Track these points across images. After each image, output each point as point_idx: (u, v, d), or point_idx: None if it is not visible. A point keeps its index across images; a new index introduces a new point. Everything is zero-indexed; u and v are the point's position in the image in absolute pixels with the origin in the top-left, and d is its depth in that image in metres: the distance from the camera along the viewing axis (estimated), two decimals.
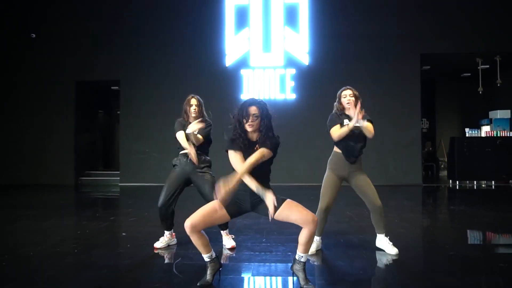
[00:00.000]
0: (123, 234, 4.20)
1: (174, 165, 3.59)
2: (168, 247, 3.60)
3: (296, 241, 3.48)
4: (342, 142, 3.26)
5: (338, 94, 3.40)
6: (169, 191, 3.48)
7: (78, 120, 10.42)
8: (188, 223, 2.38)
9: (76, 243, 3.83)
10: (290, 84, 9.63)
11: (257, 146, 2.46)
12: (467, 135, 9.82)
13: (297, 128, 9.41)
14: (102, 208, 6.64)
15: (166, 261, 3.26)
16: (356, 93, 3.30)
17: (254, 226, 4.52)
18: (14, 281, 2.71)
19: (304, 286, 2.47)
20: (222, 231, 3.64)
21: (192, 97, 3.62)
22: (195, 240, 2.46)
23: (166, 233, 3.62)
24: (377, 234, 3.47)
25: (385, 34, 9.59)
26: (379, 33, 9.59)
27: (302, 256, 2.52)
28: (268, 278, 2.79)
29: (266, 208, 2.38)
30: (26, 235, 4.20)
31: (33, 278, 2.80)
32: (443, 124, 13.53)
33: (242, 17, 9.77)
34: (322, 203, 3.38)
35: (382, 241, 3.42)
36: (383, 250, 3.38)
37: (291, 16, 9.72)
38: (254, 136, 2.51)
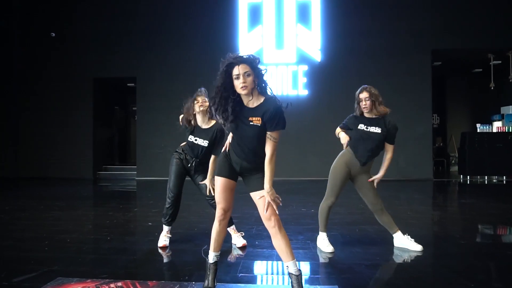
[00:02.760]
0: (149, 223, 4.46)
1: (179, 158, 3.50)
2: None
3: (314, 231, 3.74)
4: (353, 143, 3.31)
5: (356, 95, 3.34)
6: (178, 179, 3.45)
7: (96, 116, 10.76)
8: (219, 209, 2.33)
9: (108, 231, 4.10)
10: (303, 80, 9.81)
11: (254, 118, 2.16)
12: (478, 130, 9.90)
13: (309, 123, 9.60)
14: (124, 200, 6.94)
15: (194, 247, 3.50)
16: (373, 91, 3.29)
17: None
18: (59, 263, 2.98)
19: None
20: (229, 229, 3.46)
21: (199, 92, 3.45)
22: (219, 230, 2.37)
23: (166, 229, 3.51)
24: (393, 235, 3.39)
25: (397, 30, 9.70)
26: (391, 29, 9.70)
27: (287, 266, 2.20)
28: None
29: (252, 185, 2.29)
30: (60, 223, 4.49)
31: (76, 260, 3.08)
32: (454, 119, 13.57)
33: (255, 15, 9.96)
34: (331, 196, 3.32)
35: (401, 240, 3.34)
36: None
37: (303, 13, 9.88)
38: (249, 102, 2.20)
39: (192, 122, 3.43)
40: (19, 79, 10.71)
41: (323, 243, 3.34)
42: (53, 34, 10.54)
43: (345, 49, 9.74)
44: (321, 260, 3.12)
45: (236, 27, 10.03)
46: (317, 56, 9.82)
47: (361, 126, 3.29)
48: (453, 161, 12.83)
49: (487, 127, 9.92)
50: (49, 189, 8.00)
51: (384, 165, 3.33)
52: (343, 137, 3.37)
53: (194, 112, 3.40)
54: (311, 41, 9.83)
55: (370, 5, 9.79)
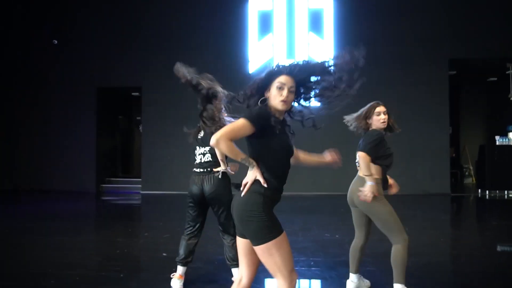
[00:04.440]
0: (164, 254, 4.07)
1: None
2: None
3: (345, 264, 3.35)
4: (388, 155, 2.82)
5: (369, 110, 2.86)
6: None
7: (99, 125, 10.39)
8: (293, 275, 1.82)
9: (119, 265, 3.70)
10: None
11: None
12: (497, 143, 9.53)
13: (322, 135, 9.21)
14: (131, 220, 6.55)
15: (218, 286, 3.11)
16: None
17: (293, 244, 4.35)
18: None
19: None
20: (234, 270, 2.94)
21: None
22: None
23: (182, 269, 3.04)
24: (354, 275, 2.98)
25: (412, 39, 9.37)
26: (405, 38, 9.38)
27: None
28: None
29: None
30: (65, 253, 4.09)
31: None
32: (467, 129, 13.22)
33: (265, 23, 9.63)
34: (403, 233, 2.71)
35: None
36: None
37: (315, 21, 9.55)
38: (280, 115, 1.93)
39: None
40: (22, 87, 10.35)
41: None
42: (56, 42, 10.20)
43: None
44: None
45: (245, 35, 9.69)
46: None
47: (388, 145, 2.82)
48: (467, 173, 12.46)
49: (506, 140, 9.55)
50: (50, 205, 7.61)
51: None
52: (371, 187, 2.64)
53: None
54: (324, 49, 9.49)
55: (384, 13, 9.47)
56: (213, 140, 1.72)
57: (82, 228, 5.40)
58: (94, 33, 10.08)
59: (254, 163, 1.80)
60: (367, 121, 2.86)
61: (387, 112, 2.84)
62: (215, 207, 2.92)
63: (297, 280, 1.88)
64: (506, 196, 9.13)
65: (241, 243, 1.90)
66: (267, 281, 3.17)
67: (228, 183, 2.89)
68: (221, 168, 2.87)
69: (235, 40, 9.70)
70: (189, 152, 3.25)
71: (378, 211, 2.72)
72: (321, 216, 6.19)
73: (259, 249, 1.76)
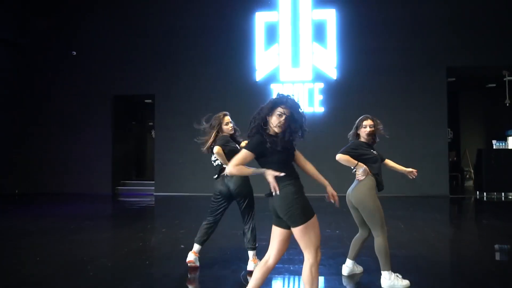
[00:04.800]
0: (182, 246, 4.59)
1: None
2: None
3: (343, 255, 3.83)
4: (368, 159, 3.28)
5: (360, 122, 3.38)
6: None
7: (115, 131, 10.99)
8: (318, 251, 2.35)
9: (144, 255, 4.24)
10: (319, 97, 9.97)
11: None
12: (494, 147, 9.93)
13: (326, 140, 9.69)
14: (149, 219, 7.09)
15: (230, 271, 3.61)
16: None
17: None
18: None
19: None
20: (250, 252, 3.59)
21: (225, 114, 3.70)
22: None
23: (197, 247, 3.69)
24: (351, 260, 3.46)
25: (412, 48, 9.85)
26: (406, 47, 9.85)
27: None
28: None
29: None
30: (95, 246, 4.64)
31: (127, 286, 3.21)
32: (467, 134, 13.59)
33: (271, 34, 10.18)
34: (384, 227, 3.19)
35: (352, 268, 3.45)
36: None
37: (319, 32, 10.08)
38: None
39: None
40: (41, 96, 11.00)
41: (395, 281, 3.16)
42: (74, 53, 10.86)
43: (361, 67, 9.90)
44: None
45: (253, 45, 10.26)
46: (333, 74, 9.99)
47: (372, 151, 3.35)
48: (467, 176, 12.82)
49: (503, 144, 9.95)
50: (71, 207, 8.18)
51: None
52: (363, 167, 3.22)
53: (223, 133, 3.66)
54: (327, 59, 10.01)
55: (385, 23, 9.96)
56: (226, 171, 2.38)
57: (105, 226, 5.95)
58: (110, 45, 10.73)
59: (262, 169, 2.32)
60: (357, 131, 3.39)
61: (373, 126, 3.37)
62: (240, 199, 3.62)
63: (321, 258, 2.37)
64: (503, 198, 9.52)
65: (277, 232, 2.42)
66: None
67: (246, 179, 3.57)
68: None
69: (243, 50, 10.27)
70: (198, 156, 3.81)
71: (368, 205, 3.22)
72: (324, 215, 6.64)
73: (298, 230, 2.27)
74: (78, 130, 10.78)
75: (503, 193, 9.70)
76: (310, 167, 2.53)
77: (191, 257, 3.63)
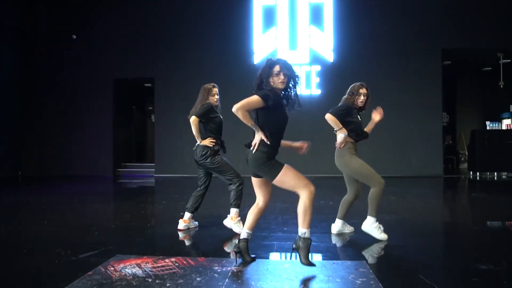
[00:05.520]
0: (181, 213, 4.80)
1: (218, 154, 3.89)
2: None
3: (334, 220, 4.06)
4: (351, 122, 3.49)
5: (356, 89, 3.57)
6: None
7: (116, 115, 11.17)
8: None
9: (146, 219, 4.47)
10: (316, 80, 10.12)
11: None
12: (487, 128, 10.13)
13: (322, 122, 9.84)
14: (150, 194, 7.33)
15: (228, 231, 3.84)
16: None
17: (292, 207, 5.06)
18: (112, 244, 3.35)
19: (304, 263, 2.52)
20: (233, 209, 3.73)
21: (214, 86, 3.95)
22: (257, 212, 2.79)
23: (188, 215, 3.88)
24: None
25: (407, 31, 9.96)
26: (401, 30, 9.97)
27: (304, 232, 2.56)
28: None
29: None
30: (102, 214, 4.88)
31: (127, 242, 3.44)
32: (463, 118, 13.78)
33: (269, 17, 10.30)
34: (379, 178, 3.37)
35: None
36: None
37: (316, 15, 10.19)
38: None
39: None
40: (45, 81, 11.14)
41: (375, 229, 3.43)
42: (74, 37, 10.97)
43: (357, 50, 10.03)
44: (349, 239, 3.44)
45: (251, 29, 10.38)
46: (329, 56, 10.13)
47: (359, 117, 3.58)
48: (462, 159, 13.05)
49: (497, 125, 10.14)
50: (73, 186, 8.41)
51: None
52: (344, 137, 3.41)
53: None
54: (324, 42, 10.14)
55: (381, 7, 10.06)
56: (234, 109, 2.48)
57: (108, 200, 6.18)
58: (111, 29, 10.84)
59: (259, 128, 2.56)
60: (353, 97, 3.57)
61: (367, 94, 3.58)
62: (206, 169, 3.87)
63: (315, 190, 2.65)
64: (495, 178, 9.75)
65: (256, 181, 2.73)
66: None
67: (206, 153, 3.79)
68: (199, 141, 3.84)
69: (241, 33, 10.39)
70: (195, 139, 3.97)
71: (353, 166, 3.45)
72: (319, 190, 6.89)
73: (276, 182, 2.57)
74: (80, 113, 10.93)
75: (495, 173, 9.93)
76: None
77: (181, 225, 3.82)
